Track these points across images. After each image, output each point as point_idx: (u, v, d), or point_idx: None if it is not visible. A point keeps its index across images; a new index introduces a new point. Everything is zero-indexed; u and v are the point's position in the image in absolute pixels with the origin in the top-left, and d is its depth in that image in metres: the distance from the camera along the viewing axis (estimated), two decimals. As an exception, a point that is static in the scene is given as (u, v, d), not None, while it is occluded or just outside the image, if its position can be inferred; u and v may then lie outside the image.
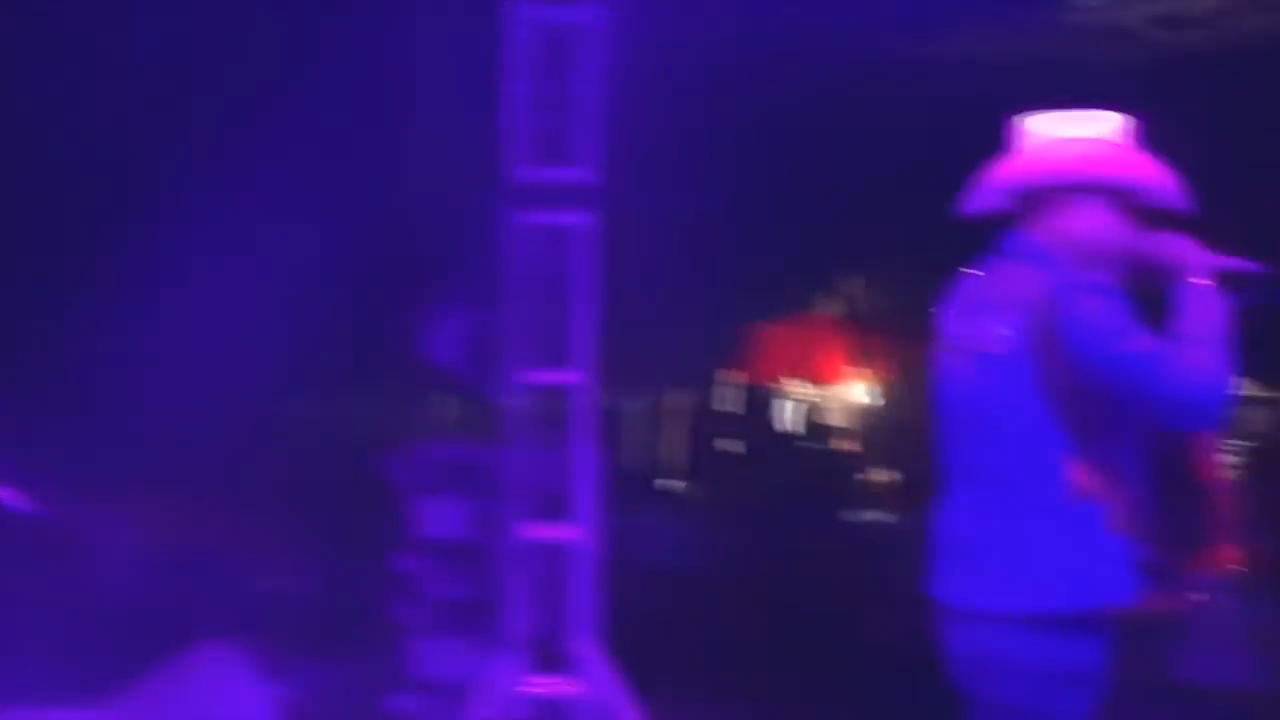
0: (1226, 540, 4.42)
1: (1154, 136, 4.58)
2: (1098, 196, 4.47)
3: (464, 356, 9.51)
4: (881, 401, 18.94)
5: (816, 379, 18.91)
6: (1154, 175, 4.52)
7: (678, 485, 16.71)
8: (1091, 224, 4.46)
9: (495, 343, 9.01)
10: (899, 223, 16.78)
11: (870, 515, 15.44)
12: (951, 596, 4.46)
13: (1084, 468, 4.28)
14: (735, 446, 17.89)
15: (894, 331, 20.28)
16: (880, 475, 16.88)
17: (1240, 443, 9.77)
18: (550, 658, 8.79)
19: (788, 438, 18.67)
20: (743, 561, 12.33)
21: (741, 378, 18.93)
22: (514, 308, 8.86)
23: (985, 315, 4.41)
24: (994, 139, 4.71)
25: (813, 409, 18.82)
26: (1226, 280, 4.40)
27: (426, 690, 9.33)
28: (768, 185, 16.05)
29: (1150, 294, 4.46)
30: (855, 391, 18.98)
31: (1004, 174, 4.57)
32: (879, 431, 18.69)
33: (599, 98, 8.75)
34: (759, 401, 18.82)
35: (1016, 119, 4.66)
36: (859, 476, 16.92)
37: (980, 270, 4.57)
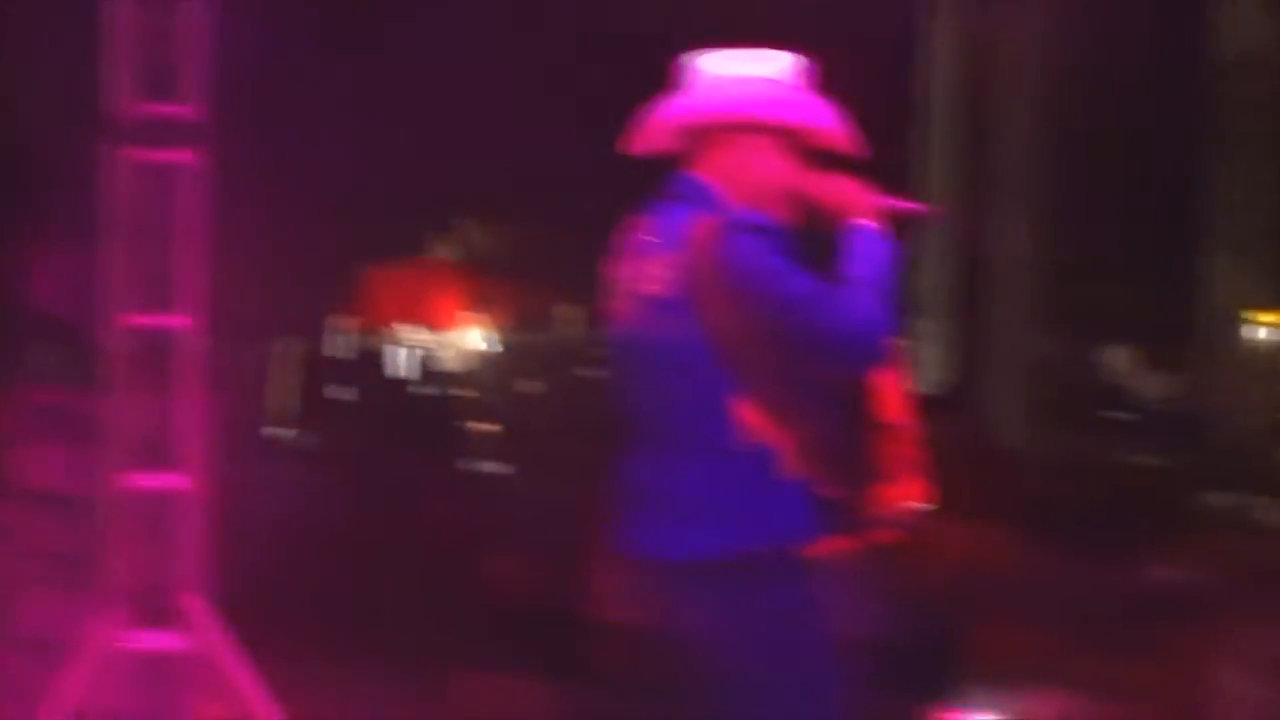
0: (909, 477, 4.48)
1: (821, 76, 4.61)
2: (764, 136, 4.49)
3: (64, 299, 9.26)
4: (498, 348, 19.22)
5: (431, 324, 19.05)
6: (822, 116, 4.55)
7: (289, 434, 16.54)
8: (757, 163, 4.47)
9: (97, 285, 8.75)
10: (521, 165, 16.92)
11: (486, 465, 15.55)
12: (640, 546, 4.48)
13: (753, 409, 4.29)
14: (347, 394, 17.78)
15: (510, 276, 20.58)
16: (492, 424, 17.00)
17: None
18: (155, 612, 8.60)
19: (401, 384, 18.69)
20: (355, 512, 12.27)
21: (354, 323, 18.93)
22: (117, 248, 8.60)
23: (650, 257, 4.41)
24: (646, 77, 4.73)
25: (427, 355, 18.88)
26: (891, 222, 4.46)
27: (25, 646, 9.07)
28: (382, 126, 16.00)
29: (818, 235, 4.47)
30: (471, 337, 19.21)
31: (671, 112, 4.57)
32: (494, 378, 18.94)
33: (206, 30, 8.55)
34: (371, 348, 18.82)
35: (684, 57, 4.62)
36: (473, 425, 16.99)
37: (651, 212, 4.56)
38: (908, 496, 4.52)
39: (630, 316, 4.46)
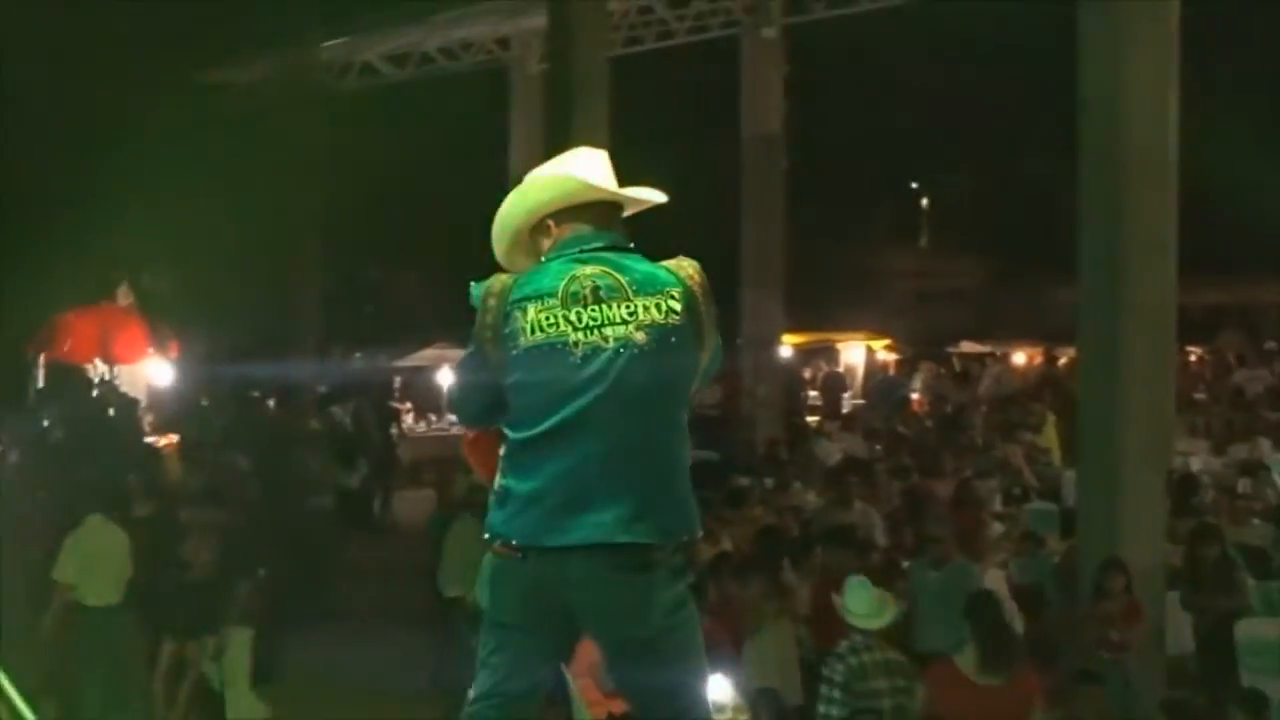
0: None
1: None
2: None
3: None
4: (175, 380, 23.25)
5: (116, 360, 22.88)
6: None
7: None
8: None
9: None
10: (193, 218, 21.31)
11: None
12: (583, 535, 4.93)
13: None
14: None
15: (181, 318, 25.01)
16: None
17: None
18: None
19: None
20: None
21: (45, 357, 22.70)
22: None
23: (632, 304, 5.00)
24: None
25: (111, 387, 22.65)
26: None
27: None
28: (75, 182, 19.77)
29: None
30: (152, 371, 23.20)
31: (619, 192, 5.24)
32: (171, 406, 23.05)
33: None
34: (61, 380, 22.50)
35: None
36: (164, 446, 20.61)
37: (576, 264, 5.07)
38: None
39: (617, 351, 4.95)
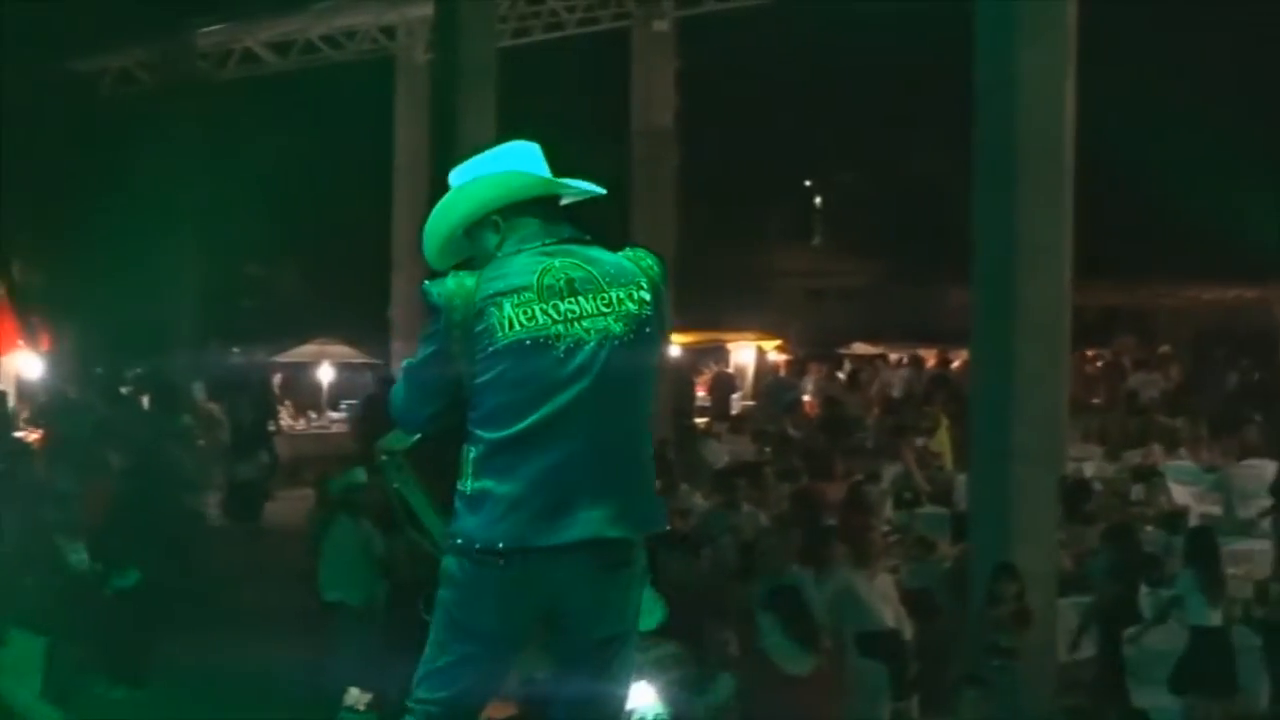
0: None
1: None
2: None
3: None
4: (45, 374, 23.10)
5: None
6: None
7: None
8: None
9: None
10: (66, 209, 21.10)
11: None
12: (576, 533, 4.95)
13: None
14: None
15: (53, 310, 24.78)
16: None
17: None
18: None
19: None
20: None
21: None
22: None
23: (607, 295, 5.01)
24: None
25: None
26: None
27: None
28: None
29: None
30: (22, 363, 23.02)
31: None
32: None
33: None
34: None
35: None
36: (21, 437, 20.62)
37: (545, 258, 5.07)
38: None
39: (591, 346, 4.94)
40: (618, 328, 4.99)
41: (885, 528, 15.29)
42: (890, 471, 18.25)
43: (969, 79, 13.07)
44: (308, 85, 30.99)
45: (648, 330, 5.03)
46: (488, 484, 4.96)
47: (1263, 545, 15.38)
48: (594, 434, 4.95)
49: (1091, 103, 14.26)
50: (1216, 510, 16.70)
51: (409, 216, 27.06)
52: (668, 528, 5.22)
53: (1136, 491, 17.16)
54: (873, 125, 39.71)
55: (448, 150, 20.65)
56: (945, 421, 20.94)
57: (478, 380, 4.96)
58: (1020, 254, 12.70)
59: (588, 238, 5.17)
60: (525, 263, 5.03)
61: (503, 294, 4.96)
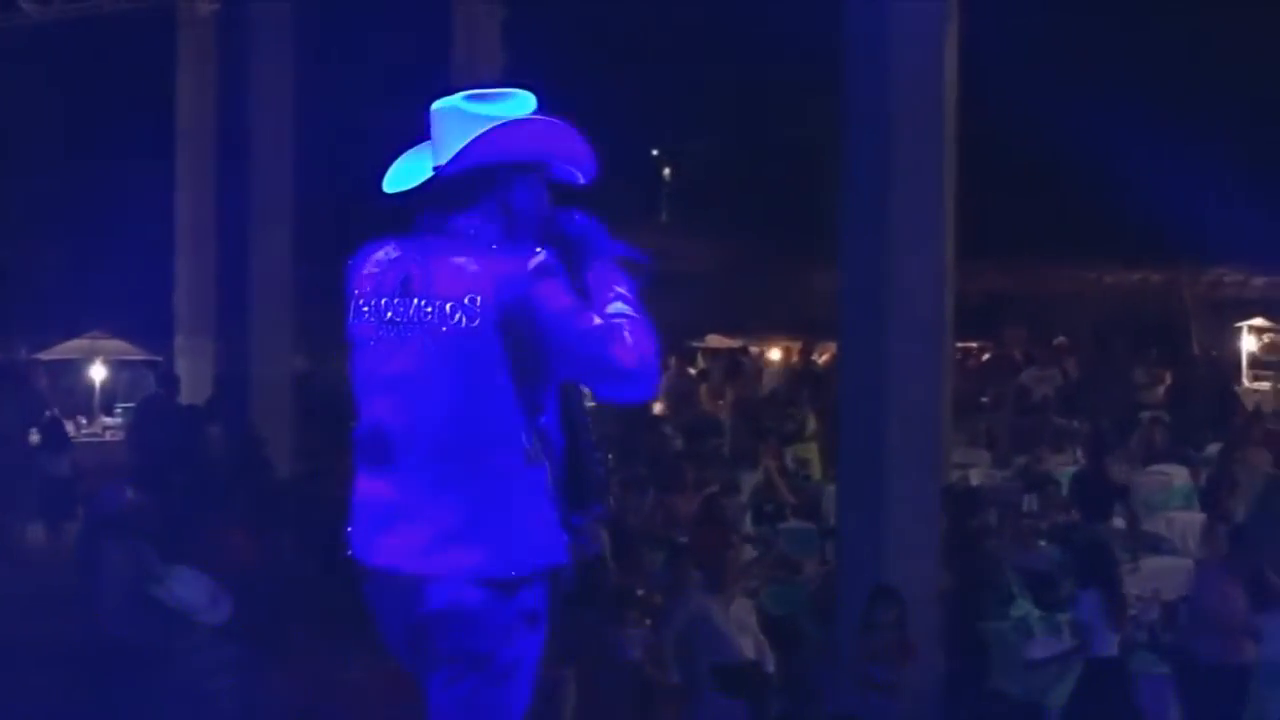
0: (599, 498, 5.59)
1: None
2: (535, 174, 5.38)
3: None
4: None
5: None
6: (583, 151, 5.45)
7: None
8: (532, 200, 5.37)
9: None
10: None
11: None
12: (402, 562, 5.18)
13: (531, 437, 5.21)
14: None
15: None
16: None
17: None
18: None
19: None
20: None
21: None
22: None
23: (437, 293, 5.14)
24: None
25: None
26: (623, 263, 5.49)
27: None
28: None
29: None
30: None
31: (467, 152, 5.24)
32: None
33: None
34: None
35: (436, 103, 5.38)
36: None
37: (396, 247, 5.33)
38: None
39: (411, 348, 5.15)
40: (431, 339, 5.16)
41: (744, 545, 15.31)
42: (750, 481, 18.31)
43: (837, 32, 13.06)
44: (75, 39, 30.57)
45: (467, 347, 5.13)
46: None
47: (1171, 562, 15.55)
48: (408, 451, 5.19)
49: (976, 60, 14.35)
50: (1119, 522, 16.84)
51: (192, 187, 26.71)
52: (513, 574, 5.21)
53: (1029, 501, 17.33)
54: (730, 86, 39.74)
55: (237, 115, 20.49)
56: (813, 424, 21.05)
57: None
58: (894, 233, 12.71)
59: (472, 233, 5.27)
60: (388, 245, 5.34)
61: (359, 276, 5.35)
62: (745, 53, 37.05)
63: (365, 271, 5.37)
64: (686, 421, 23.21)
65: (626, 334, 5.20)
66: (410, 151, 5.49)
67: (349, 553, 5.34)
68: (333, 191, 21.25)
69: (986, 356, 32.13)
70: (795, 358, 32.69)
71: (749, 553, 15.13)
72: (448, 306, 5.15)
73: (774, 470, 18.74)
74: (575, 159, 5.46)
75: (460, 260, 5.20)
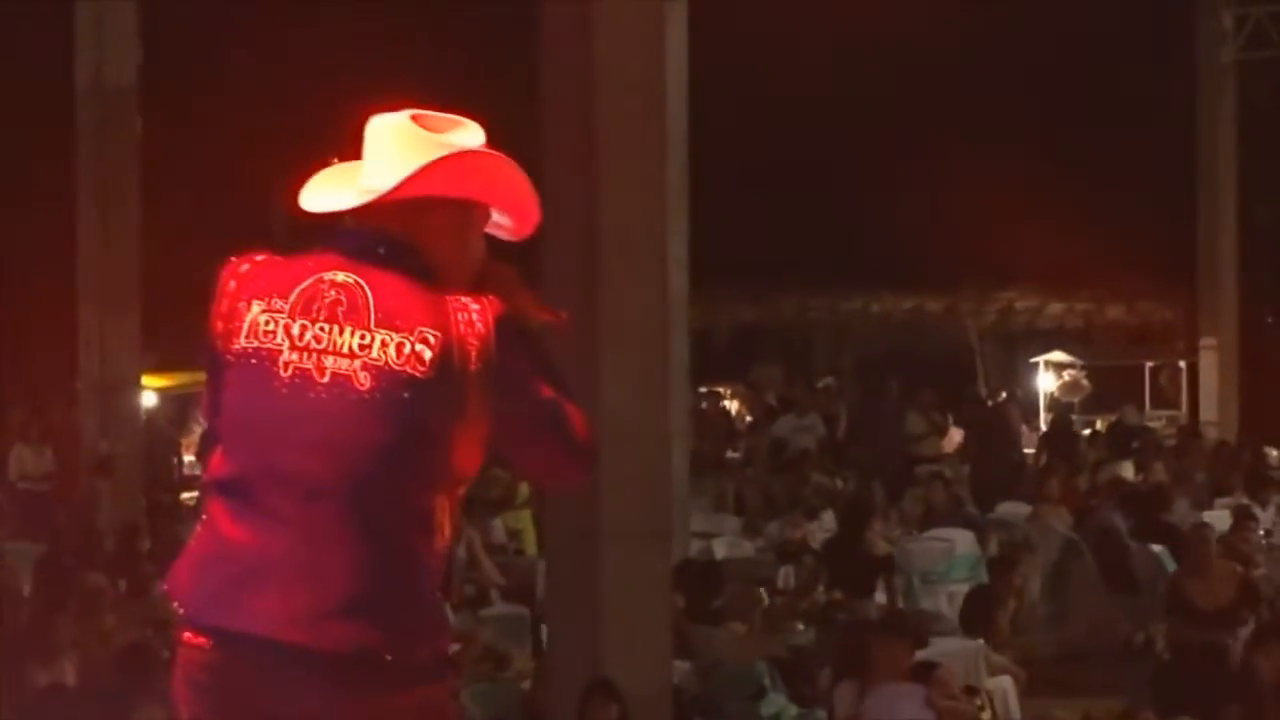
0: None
1: None
2: (482, 212, 5.47)
3: None
4: None
5: None
6: (525, 195, 5.50)
7: None
8: (472, 238, 5.44)
9: None
10: None
11: None
12: (279, 630, 5.11)
13: (441, 505, 5.27)
14: None
15: None
16: None
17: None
18: None
19: None
20: None
21: None
22: None
23: (381, 325, 5.17)
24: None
25: None
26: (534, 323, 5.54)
27: None
28: None
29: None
30: None
31: (422, 179, 5.29)
32: None
33: None
34: None
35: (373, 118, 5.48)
36: None
37: (318, 261, 5.32)
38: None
39: (320, 386, 5.15)
40: (363, 378, 5.14)
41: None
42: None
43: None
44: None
45: (407, 396, 5.11)
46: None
47: (957, 645, 15.49)
48: (305, 504, 5.14)
49: (714, 68, 14.34)
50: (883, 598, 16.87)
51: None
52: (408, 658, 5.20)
53: (785, 575, 17.32)
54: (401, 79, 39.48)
55: None
56: (525, 488, 20.88)
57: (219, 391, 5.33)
58: (605, 252, 12.54)
59: (420, 265, 5.28)
60: (309, 264, 5.28)
61: (259, 295, 5.25)
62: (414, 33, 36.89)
63: (269, 276, 5.32)
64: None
65: (571, 409, 5.29)
66: (333, 169, 5.54)
67: (181, 612, 5.23)
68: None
69: (734, 402, 32.25)
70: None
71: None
72: (394, 342, 5.17)
73: (477, 545, 18.54)
74: (522, 211, 5.52)
75: (408, 292, 5.22)
